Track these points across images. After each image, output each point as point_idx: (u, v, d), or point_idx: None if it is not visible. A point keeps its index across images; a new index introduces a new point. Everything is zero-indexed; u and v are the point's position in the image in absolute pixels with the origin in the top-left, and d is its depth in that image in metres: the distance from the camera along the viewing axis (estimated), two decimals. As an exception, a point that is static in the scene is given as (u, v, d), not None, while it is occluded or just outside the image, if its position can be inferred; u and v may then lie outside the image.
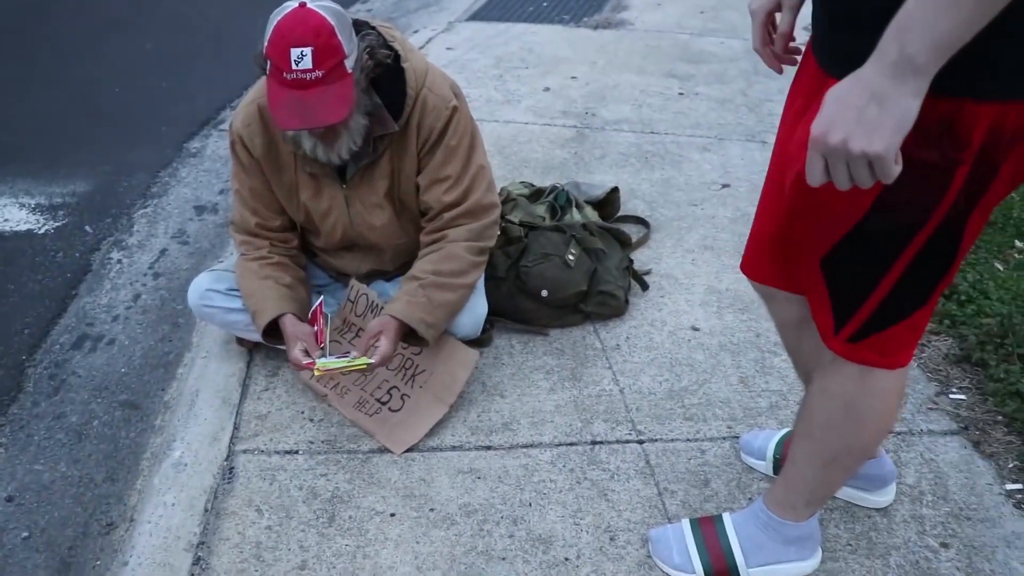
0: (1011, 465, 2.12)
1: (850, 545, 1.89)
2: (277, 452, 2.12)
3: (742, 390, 2.35)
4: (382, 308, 2.23)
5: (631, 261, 2.76)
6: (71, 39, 5.34)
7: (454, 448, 2.14)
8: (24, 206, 3.45)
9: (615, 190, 3.15)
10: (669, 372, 2.42)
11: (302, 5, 1.85)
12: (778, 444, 2.04)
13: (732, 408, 2.29)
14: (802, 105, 1.41)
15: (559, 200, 2.88)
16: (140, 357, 2.63)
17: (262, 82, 2.08)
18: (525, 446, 2.15)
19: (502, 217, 2.51)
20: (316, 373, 2.04)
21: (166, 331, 2.74)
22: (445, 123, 2.13)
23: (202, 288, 2.32)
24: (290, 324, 2.14)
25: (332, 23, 1.84)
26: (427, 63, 2.17)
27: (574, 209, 2.88)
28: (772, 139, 1.62)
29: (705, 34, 5.37)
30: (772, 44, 1.53)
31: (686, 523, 1.86)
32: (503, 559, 1.85)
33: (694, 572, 1.79)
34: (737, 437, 2.17)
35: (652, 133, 3.97)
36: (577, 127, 4.01)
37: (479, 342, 2.42)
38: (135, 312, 2.83)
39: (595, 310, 2.58)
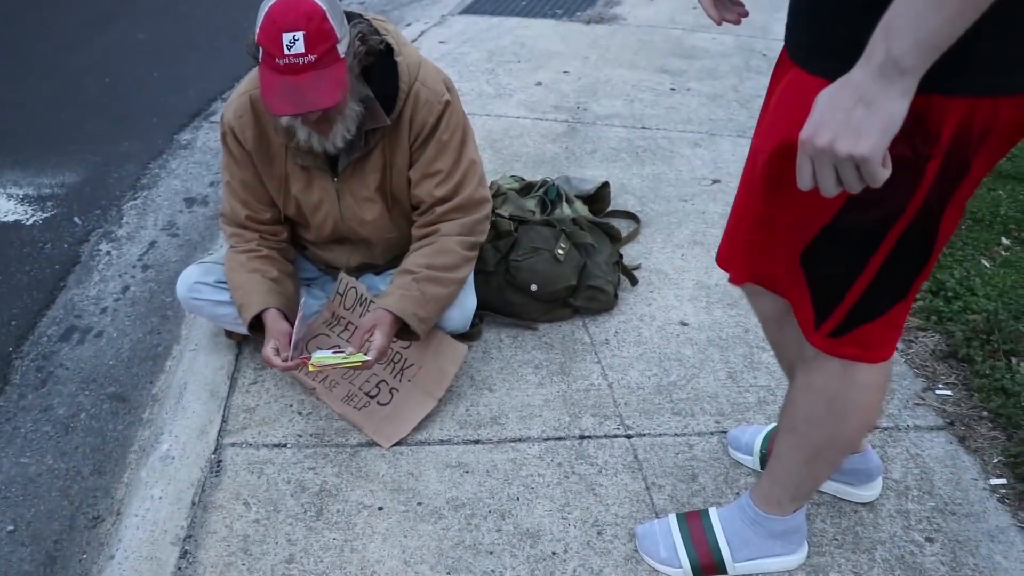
0: (996, 460, 2.13)
1: (836, 540, 1.90)
2: (265, 445, 2.12)
3: (730, 385, 2.36)
4: (371, 301, 2.23)
5: (621, 256, 2.77)
6: (62, 29, 5.31)
7: (442, 442, 2.14)
8: (12, 197, 3.43)
9: (605, 185, 3.15)
10: (658, 367, 2.42)
11: None
12: (765, 439, 2.04)
13: (720, 403, 2.29)
14: (768, 97, 1.42)
15: (549, 194, 2.88)
16: (128, 349, 2.62)
17: (254, 73, 2.08)
18: (513, 440, 2.15)
19: (492, 211, 2.51)
20: (311, 369, 2.04)
21: (155, 323, 2.74)
22: (437, 117, 2.12)
23: (191, 280, 2.31)
24: (271, 320, 2.14)
25: (323, 8, 1.84)
26: (420, 57, 2.16)
27: (564, 203, 2.88)
28: (761, 135, 1.62)
29: (697, 30, 5.37)
30: None
31: (672, 518, 1.86)
32: (491, 553, 1.85)
33: (680, 567, 1.80)
34: (725, 432, 2.18)
35: (643, 128, 3.97)
36: (568, 122, 4.01)
37: (468, 336, 2.42)
38: (124, 304, 2.83)
39: (584, 304, 2.58)
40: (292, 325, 2.13)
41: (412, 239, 2.25)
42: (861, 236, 1.31)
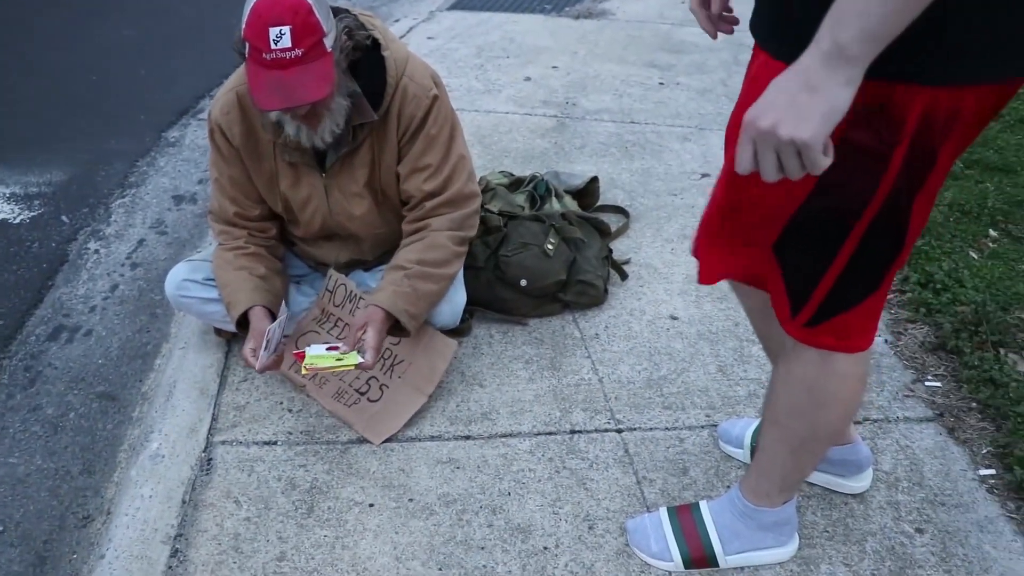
0: (984, 451, 2.14)
1: (827, 531, 1.91)
2: (255, 443, 2.11)
3: (720, 379, 2.36)
4: (360, 298, 2.22)
5: (610, 250, 2.77)
6: (47, 26, 5.28)
7: (433, 438, 2.14)
8: (-1, 196, 3.42)
9: (595, 180, 3.14)
10: (648, 361, 2.42)
11: None
12: (755, 432, 2.05)
13: (711, 396, 2.30)
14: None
15: (539, 190, 2.88)
16: (117, 348, 2.61)
17: (241, 70, 2.07)
18: (504, 436, 2.15)
19: (482, 206, 2.50)
20: (303, 372, 2.03)
21: (144, 322, 2.72)
22: (425, 112, 2.12)
23: (179, 278, 2.30)
24: (254, 318, 2.13)
25: (309, 2, 1.83)
26: (407, 52, 2.16)
27: (553, 199, 2.87)
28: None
29: (686, 24, 5.37)
30: (709, 7, 1.52)
31: (663, 511, 1.87)
32: (482, 549, 1.85)
33: (672, 560, 1.80)
34: (716, 425, 2.18)
35: (632, 123, 3.97)
36: (557, 117, 4.01)
37: (458, 332, 2.42)
38: (112, 303, 2.81)
39: (574, 299, 2.58)
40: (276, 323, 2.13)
41: (402, 234, 2.25)
42: (830, 225, 1.32)
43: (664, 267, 2.85)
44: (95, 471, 2.18)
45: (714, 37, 1.52)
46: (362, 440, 2.12)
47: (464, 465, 2.06)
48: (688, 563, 1.80)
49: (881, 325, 2.57)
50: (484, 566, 1.81)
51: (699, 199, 3.27)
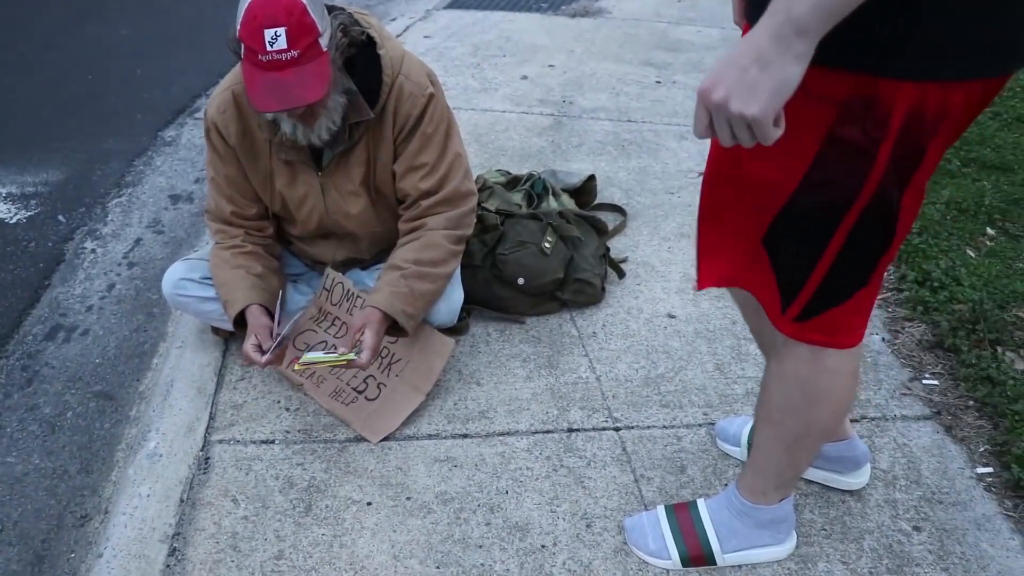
0: (982, 449, 2.14)
1: (824, 530, 1.91)
2: (253, 442, 2.11)
3: (718, 377, 2.36)
4: (358, 296, 2.22)
5: (607, 249, 2.77)
6: (42, 25, 5.27)
7: (430, 436, 2.14)
8: (-4, 195, 3.41)
9: (592, 178, 3.15)
10: (645, 359, 2.42)
11: None
12: (752, 430, 2.05)
13: (708, 395, 2.30)
14: None
15: (536, 188, 2.88)
16: (115, 347, 2.60)
17: (237, 69, 2.07)
18: (501, 434, 2.15)
19: (479, 205, 2.50)
20: (296, 368, 2.03)
21: (141, 321, 2.72)
22: (421, 110, 2.12)
23: (176, 277, 2.30)
24: (252, 316, 2.13)
25: (303, 1, 1.83)
26: (403, 50, 2.16)
27: (551, 197, 2.87)
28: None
29: (683, 22, 5.38)
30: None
31: (661, 509, 1.87)
32: (480, 547, 1.85)
33: (670, 558, 1.80)
34: (713, 424, 2.19)
35: (629, 121, 3.97)
36: (554, 115, 4.00)
37: (455, 330, 2.42)
38: (109, 302, 2.81)
39: (571, 298, 2.58)
40: (274, 320, 2.13)
41: (400, 233, 2.24)
42: (819, 219, 1.32)
43: (661, 265, 2.85)
44: (93, 470, 2.18)
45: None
46: (360, 439, 2.12)
47: (462, 463, 2.06)
48: (686, 561, 1.80)
49: (878, 323, 2.58)
50: (482, 564, 1.81)
51: (696, 197, 3.23)
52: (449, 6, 5.59)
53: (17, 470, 2.17)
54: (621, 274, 2.77)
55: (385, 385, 2.20)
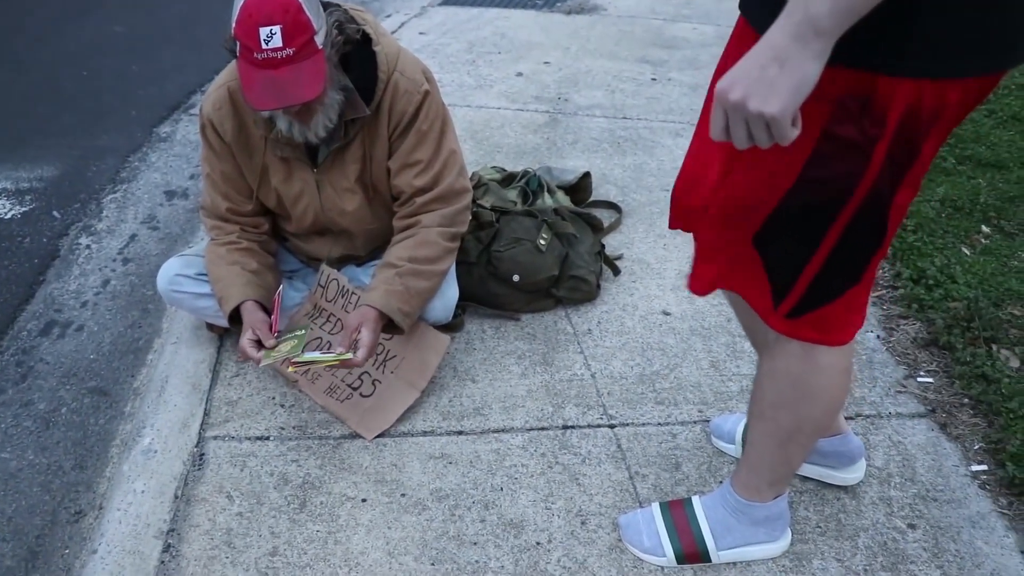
0: (976, 447, 2.15)
1: (819, 527, 1.91)
2: (248, 438, 2.11)
3: (713, 374, 2.37)
4: (353, 293, 2.22)
5: (603, 246, 2.77)
6: (36, 21, 5.26)
7: (425, 433, 2.14)
8: (-10, 191, 3.40)
9: (587, 175, 3.14)
10: (640, 356, 2.42)
11: None
12: (747, 428, 2.05)
13: (703, 392, 2.30)
14: None
15: (531, 185, 2.88)
16: (109, 343, 2.60)
17: (232, 65, 2.06)
18: (496, 431, 2.15)
19: (474, 202, 2.50)
20: (290, 368, 2.03)
21: (136, 317, 2.72)
22: (417, 107, 2.11)
23: (171, 273, 2.30)
24: (248, 311, 2.13)
25: None
26: (399, 47, 2.15)
27: (546, 194, 2.87)
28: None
29: (678, 20, 5.37)
30: None
31: (656, 507, 1.87)
32: (475, 544, 1.85)
33: (665, 556, 1.80)
34: (708, 421, 2.19)
35: (625, 118, 3.97)
36: (550, 112, 4.00)
37: (451, 327, 2.42)
38: (104, 298, 2.80)
39: (567, 295, 2.58)
40: (270, 314, 2.12)
41: (394, 230, 2.24)
42: (813, 216, 1.32)
43: (656, 263, 2.85)
44: (87, 466, 2.18)
45: None
46: (354, 435, 2.12)
47: (456, 460, 2.06)
48: (680, 558, 1.80)
49: (873, 321, 2.58)
50: (476, 561, 1.81)
51: (692, 195, 3.27)
52: (444, 3, 5.58)
53: (11, 466, 2.17)
54: (616, 271, 2.77)
55: (380, 382, 2.20)
